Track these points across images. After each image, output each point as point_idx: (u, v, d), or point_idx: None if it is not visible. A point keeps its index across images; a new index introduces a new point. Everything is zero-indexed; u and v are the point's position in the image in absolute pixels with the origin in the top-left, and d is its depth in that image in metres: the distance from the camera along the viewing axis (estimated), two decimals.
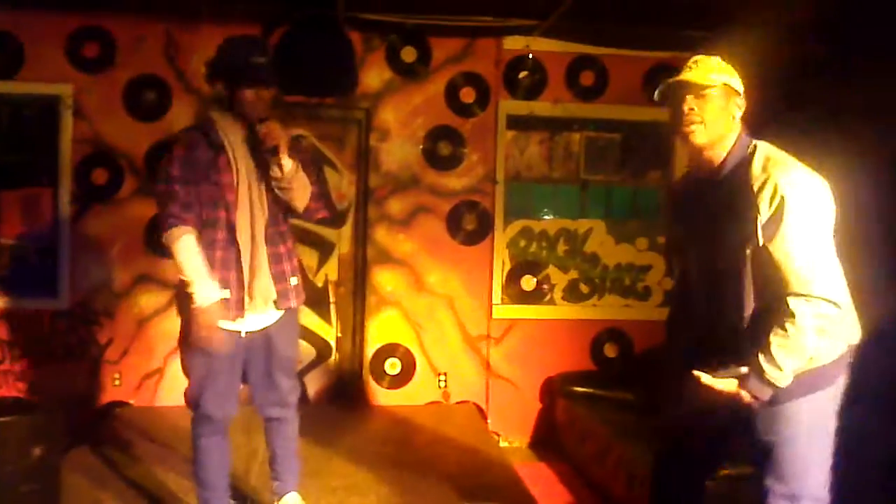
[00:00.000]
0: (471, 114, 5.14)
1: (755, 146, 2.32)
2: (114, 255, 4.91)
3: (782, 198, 2.16)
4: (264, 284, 2.88)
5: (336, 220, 4.92)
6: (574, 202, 5.30)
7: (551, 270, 5.30)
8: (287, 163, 2.81)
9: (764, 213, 2.18)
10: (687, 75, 2.31)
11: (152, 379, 4.97)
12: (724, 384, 2.22)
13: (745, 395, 2.20)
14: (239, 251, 2.85)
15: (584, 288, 5.32)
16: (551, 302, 5.30)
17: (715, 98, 2.29)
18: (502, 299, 5.22)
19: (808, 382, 2.24)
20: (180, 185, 2.81)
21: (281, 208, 2.96)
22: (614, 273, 5.31)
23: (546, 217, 5.30)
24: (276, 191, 2.88)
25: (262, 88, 2.83)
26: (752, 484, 2.40)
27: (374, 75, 5.03)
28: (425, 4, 4.67)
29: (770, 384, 2.17)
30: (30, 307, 4.89)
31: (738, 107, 2.34)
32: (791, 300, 2.15)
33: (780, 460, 2.30)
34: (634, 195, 5.34)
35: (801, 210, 2.16)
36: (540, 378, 5.23)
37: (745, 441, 2.39)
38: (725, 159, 2.32)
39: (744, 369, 2.20)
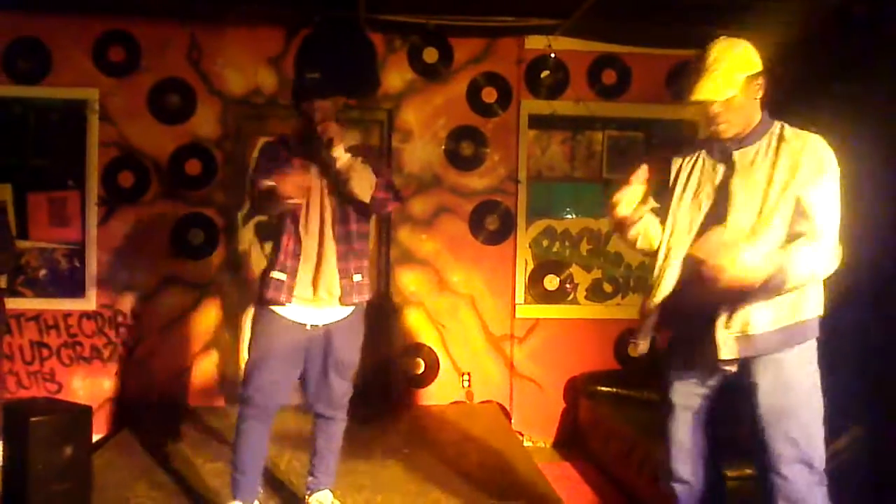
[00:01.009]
0: (493, 114, 5.15)
1: (777, 123, 2.43)
2: (140, 257, 4.97)
3: (821, 156, 2.31)
4: (329, 278, 3.02)
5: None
6: (597, 201, 5.27)
7: (574, 270, 5.29)
8: (341, 153, 2.95)
9: (805, 168, 2.29)
10: (707, 93, 2.34)
11: (179, 379, 5.02)
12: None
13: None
14: (305, 244, 3.03)
15: (607, 287, 5.31)
16: (574, 301, 5.29)
17: (737, 95, 2.34)
18: (525, 299, 5.22)
19: (802, 330, 2.36)
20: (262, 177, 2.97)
21: (352, 208, 3.06)
22: (638, 272, 5.28)
23: (569, 216, 5.29)
24: (339, 184, 3.00)
25: (318, 100, 2.98)
26: (755, 480, 2.42)
27: (396, 76, 5.05)
28: (446, 5, 4.67)
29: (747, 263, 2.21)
30: (58, 308, 4.97)
31: (760, 86, 2.39)
32: (810, 239, 2.27)
33: (791, 427, 2.34)
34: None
35: (833, 171, 2.31)
36: (564, 378, 5.22)
37: (748, 408, 2.43)
38: (752, 132, 2.41)
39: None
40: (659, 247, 2.58)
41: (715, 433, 2.59)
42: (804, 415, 2.36)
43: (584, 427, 4.98)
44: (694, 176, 2.52)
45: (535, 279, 5.25)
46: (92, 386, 4.97)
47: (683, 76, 2.45)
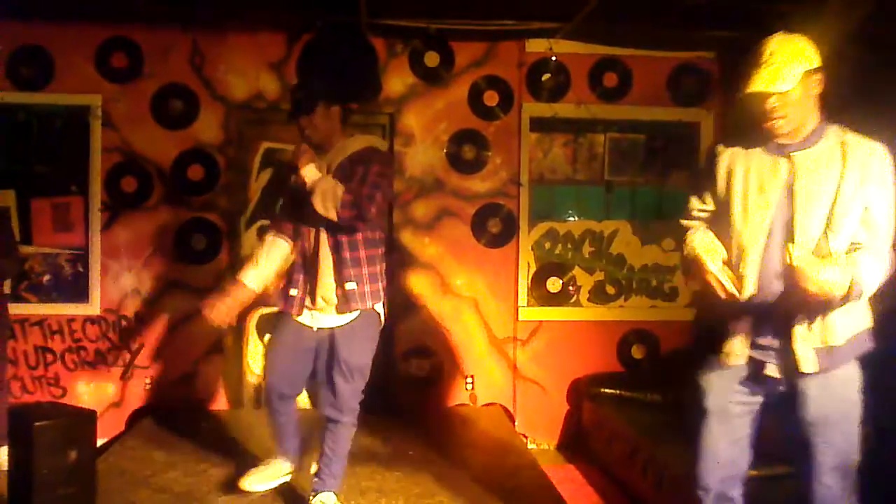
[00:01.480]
0: (494, 117, 5.16)
1: (835, 126, 2.39)
2: (144, 262, 4.99)
3: (887, 166, 2.29)
4: (324, 288, 3.17)
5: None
6: (599, 203, 5.29)
7: (577, 272, 5.29)
8: (307, 173, 3.09)
9: (865, 171, 2.28)
10: (768, 83, 2.26)
11: (183, 383, 5.03)
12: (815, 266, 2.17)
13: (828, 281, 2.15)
14: (305, 257, 3.24)
15: (610, 289, 5.31)
16: (577, 303, 5.30)
17: (796, 89, 2.27)
18: (528, 301, 5.23)
19: (863, 341, 2.35)
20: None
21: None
22: (640, 274, 5.29)
23: (571, 219, 5.30)
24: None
25: (301, 117, 3.16)
26: (788, 483, 2.40)
27: (398, 80, 5.06)
28: (448, 9, 4.69)
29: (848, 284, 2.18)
30: (62, 313, 4.98)
31: (818, 81, 2.33)
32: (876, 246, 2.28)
33: (837, 436, 2.32)
34: (660, 196, 5.32)
35: (893, 180, 2.30)
36: (567, 380, 5.23)
37: (794, 418, 2.39)
38: (812, 133, 2.36)
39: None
40: (730, 249, 2.42)
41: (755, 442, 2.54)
42: (848, 425, 2.35)
43: (587, 429, 4.98)
44: (753, 174, 2.40)
45: (537, 282, 5.26)
46: (96, 390, 4.99)
47: (741, 71, 2.35)
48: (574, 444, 5.12)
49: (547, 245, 5.28)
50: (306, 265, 3.23)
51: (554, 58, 5.13)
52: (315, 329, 3.23)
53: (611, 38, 5.08)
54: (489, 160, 5.16)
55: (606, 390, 4.90)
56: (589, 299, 5.30)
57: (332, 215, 3.03)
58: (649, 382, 4.90)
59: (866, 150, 2.30)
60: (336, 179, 3.08)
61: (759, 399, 2.47)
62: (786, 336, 2.33)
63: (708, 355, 2.50)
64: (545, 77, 5.15)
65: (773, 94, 2.27)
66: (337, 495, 3.29)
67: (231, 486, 3.56)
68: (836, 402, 2.33)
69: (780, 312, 2.32)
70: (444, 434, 4.59)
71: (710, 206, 2.54)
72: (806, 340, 2.30)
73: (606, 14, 4.46)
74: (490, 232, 5.18)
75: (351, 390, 3.23)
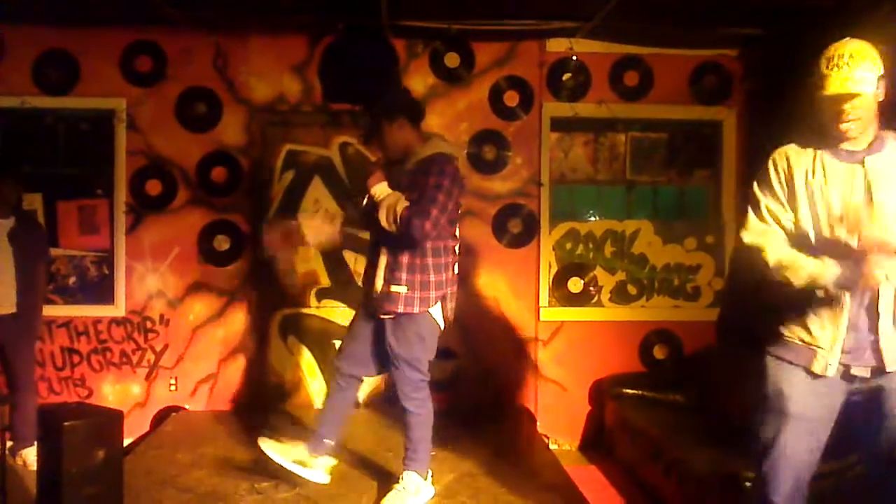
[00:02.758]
0: (515, 117, 5.15)
1: (889, 132, 2.42)
2: (168, 264, 5.04)
3: None
4: (375, 285, 3.39)
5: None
6: (620, 203, 5.27)
7: (598, 272, 5.28)
8: (375, 191, 3.33)
9: None
10: (850, 85, 2.29)
11: (207, 384, 5.08)
12: None
13: None
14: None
15: (631, 289, 5.29)
16: (599, 304, 5.28)
17: (869, 93, 2.31)
18: (550, 301, 5.22)
19: None
20: None
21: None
22: (662, 274, 5.27)
23: (592, 219, 5.28)
24: None
25: (373, 141, 3.53)
26: (835, 480, 2.40)
27: (419, 81, 5.07)
28: (468, 10, 4.69)
29: None
30: (88, 315, 5.05)
31: (884, 90, 2.35)
32: None
33: None
34: (681, 195, 5.29)
35: None
36: (589, 380, 5.21)
37: (881, 414, 2.40)
38: (876, 139, 2.39)
39: None
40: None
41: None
42: None
43: (609, 430, 4.96)
44: (832, 182, 2.39)
45: (559, 282, 5.25)
46: (121, 391, 5.05)
47: (813, 72, 2.37)
48: (596, 444, 5.11)
49: (568, 245, 5.27)
50: (369, 264, 3.49)
51: (574, 57, 5.12)
52: (378, 315, 3.43)
53: (631, 36, 5.05)
54: (510, 160, 5.16)
55: (628, 391, 4.88)
56: (610, 299, 5.28)
57: (393, 229, 3.23)
58: (672, 383, 4.88)
59: None
60: (408, 188, 3.28)
61: (841, 401, 2.46)
62: (874, 333, 2.36)
63: (786, 361, 2.49)
64: (566, 76, 5.15)
65: (853, 97, 2.29)
66: (422, 475, 3.47)
67: (253, 486, 3.59)
68: None
69: (866, 314, 2.36)
70: (466, 435, 4.59)
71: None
72: (892, 339, 2.34)
73: (627, 13, 4.46)
74: (511, 232, 5.18)
75: (403, 379, 3.41)
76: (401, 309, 3.31)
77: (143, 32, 4.95)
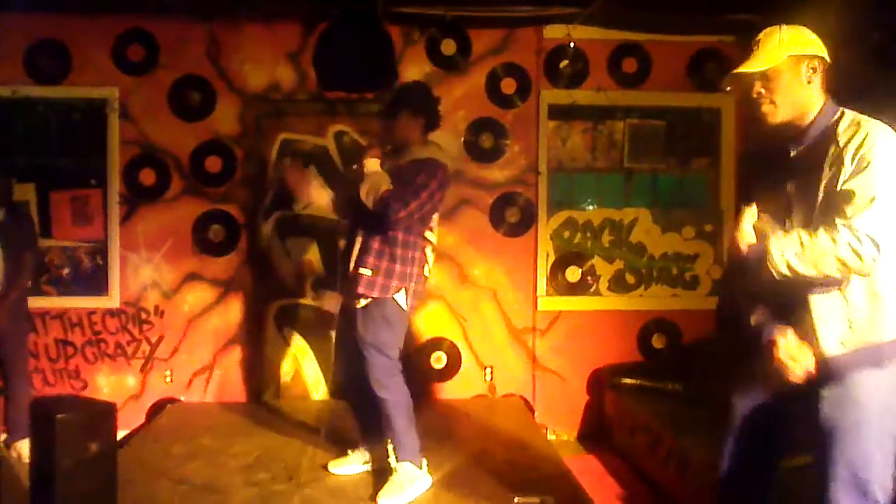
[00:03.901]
0: (512, 105, 5.11)
1: (842, 112, 2.22)
2: (163, 254, 5.00)
3: (871, 147, 2.07)
4: (349, 267, 3.41)
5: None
6: (618, 191, 5.23)
7: (596, 261, 5.24)
8: (366, 165, 3.34)
9: (848, 164, 2.09)
10: (746, 65, 2.23)
11: (202, 375, 5.05)
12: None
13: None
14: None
15: (630, 278, 5.26)
16: (597, 293, 5.25)
17: (782, 73, 2.20)
18: (547, 291, 5.19)
19: (868, 356, 2.16)
20: None
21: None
22: (661, 262, 5.24)
23: (590, 207, 5.25)
24: None
25: (388, 120, 3.49)
26: (813, 473, 2.33)
27: (415, 69, 5.02)
28: None
29: (770, 254, 2.11)
30: (82, 306, 5.01)
31: (813, 70, 2.21)
32: (837, 220, 2.06)
33: (849, 445, 2.19)
34: (680, 183, 5.26)
35: (887, 160, 2.07)
36: (587, 370, 5.19)
37: (809, 427, 2.29)
38: (808, 127, 2.23)
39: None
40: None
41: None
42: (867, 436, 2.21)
43: (608, 419, 4.95)
44: (778, 177, 2.31)
45: (556, 271, 5.22)
46: (116, 383, 5.02)
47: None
48: (595, 434, 5.09)
49: (566, 234, 5.23)
50: (345, 249, 3.48)
51: (572, 44, 5.07)
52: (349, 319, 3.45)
53: (630, 23, 5.01)
54: (507, 148, 5.12)
55: (627, 380, 4.86)
56: (609, 288, 5.25)
57: (369, 203, 3.25)
58: (670, 372, 4.86)
59: (860, 137, 2.12)
60: (396, 180, 3.29)
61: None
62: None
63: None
64: (563, 64, 5.10)
65: (756, 77, 2.20)
66: (416, 464, 3.43)
67: (250, 480, 3.56)
68: (849, 411, 2.18)
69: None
70: (463, 425, 4.57)
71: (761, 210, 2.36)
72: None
73: None
74: (508, 221, 5.14)
75: (373, 365, 3.36)
76: (362, 290, 3.32)
77: (136, 20, 4.89)
